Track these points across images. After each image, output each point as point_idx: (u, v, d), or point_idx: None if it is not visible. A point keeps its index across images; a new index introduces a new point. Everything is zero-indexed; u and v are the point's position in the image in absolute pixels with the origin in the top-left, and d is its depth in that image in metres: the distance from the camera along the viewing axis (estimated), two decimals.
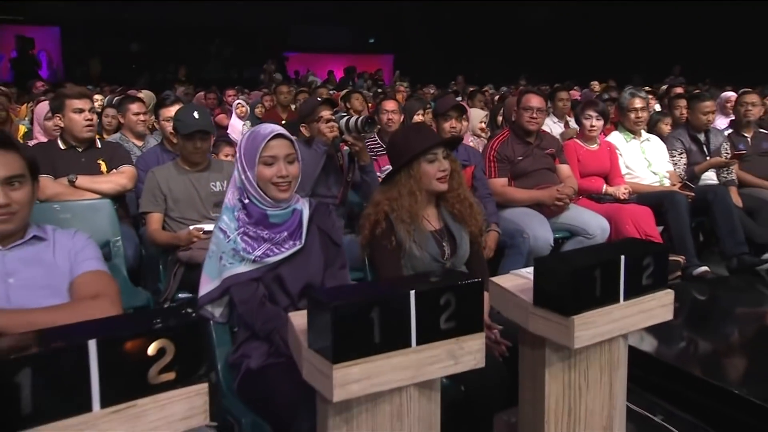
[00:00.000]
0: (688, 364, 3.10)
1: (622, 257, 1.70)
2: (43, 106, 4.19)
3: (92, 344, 1.13)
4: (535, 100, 4.11)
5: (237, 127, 6.83)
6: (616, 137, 4.46)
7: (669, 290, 1.83)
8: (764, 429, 2.54)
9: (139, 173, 3.62)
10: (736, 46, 14.02)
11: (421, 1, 19.96)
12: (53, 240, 1.86)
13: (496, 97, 7.72)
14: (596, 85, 9.52)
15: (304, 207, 2.20)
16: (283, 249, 2.11)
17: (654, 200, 4.14)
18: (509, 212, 3.84)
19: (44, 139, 4.20)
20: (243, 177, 2.10)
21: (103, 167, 3.57)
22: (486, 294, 1.64)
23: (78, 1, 15.68)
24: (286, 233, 2.13)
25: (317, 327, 1.41)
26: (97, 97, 6.37)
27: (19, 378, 1.06)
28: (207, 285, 2.12)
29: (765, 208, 4.42)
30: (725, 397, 2.74)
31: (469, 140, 4.88)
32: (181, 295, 3.00)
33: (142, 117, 4.42)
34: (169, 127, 3.75)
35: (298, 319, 1.62)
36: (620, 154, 4.36)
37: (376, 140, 4.21)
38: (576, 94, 8.31)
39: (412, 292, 1.43)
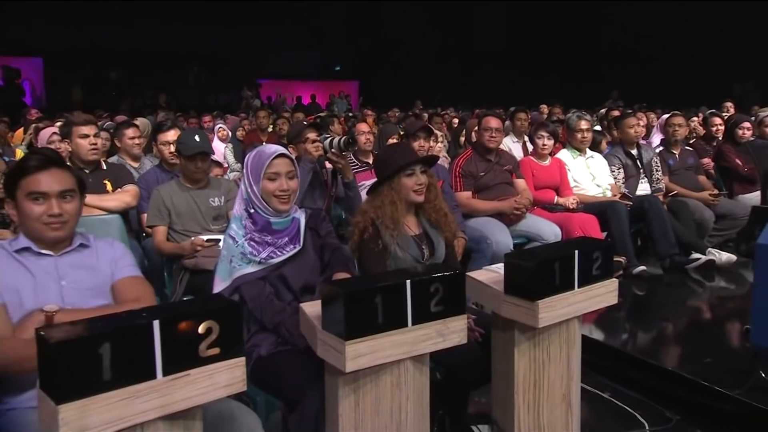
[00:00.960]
0: (631, 348, 3.35)
1: (576, 252, 1.92)
2: (46, 132, 4.26)
3: (156, 324, 1.30)
4: (493, 122, 4.34)
5: (219, 150, 6.90)
6: (564, 154, 4.69)
7: (614, 279, 2.06)
8: (694, 399, 2.79)
9: (140, 191, 3.74)
10: (667, 73, 14.57)
11: (384, 31, 20.23)
12: (96, 247, 1.99)
13: (455, 120, 7.96)
14: (544, 108, 9.80)
15: (301, 215, 2.38)
16: (285, 251, 2.27)
17: (598, 209, 4.36)
18: (474, 221, 4.03)
19: None
20: (249, 190, 2.26)
21: (109, 187, 3.68)
22: None
23: (59, 32, 15.56)
24: (287, 238, 2.29)
25: (331, 311, 1.59)
26: None
27: (101, 350, 1.22)
28: (219, 285, 2.27)
29: (684, 210, 4.69)
30: (662, 374, 3.00)
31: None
32: (185, 299, 3.12)
33: (137, 141, 4.51)
34: (166, 150, 3.87)
35: (309, 308, 1.80)
36: (568, 169, 4.57)
37: (352, 159, 4.36)
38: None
39: (408, 282, 1.62)
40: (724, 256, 4.50)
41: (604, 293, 2.01)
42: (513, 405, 1.99)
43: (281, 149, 2.29)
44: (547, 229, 4.07)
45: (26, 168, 1.85)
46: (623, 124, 4.82)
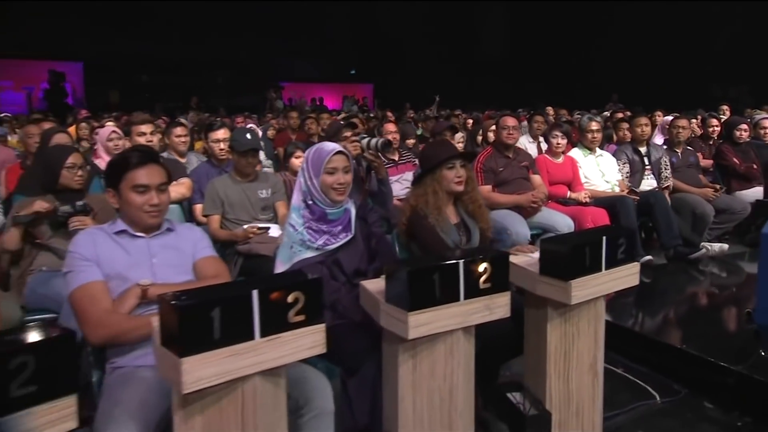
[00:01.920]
0: (640, 328, 3.44)
1: (604, 238, 2.03)
2: (106, 131, 4.39)
3: (255, 293, 1.43)
4: (510, 121, 4.44)
5: None
6: (576, 153, 4.78)
7: (636, 263, 2.16)
8: (700, 374, 2.90)
9: (193, 184, 3.87)
10: (662, 77, 14.56)
11: (396, 36, 20.28)
12: (179, 231, 2.13)
13: (469, 121, 8.02)
14: (550, 110, 9.85)
15: (352, 206, 2.50)
16: (338, 239, 2.39)
17: (608, 203, 4.44)
18: (494, 213, 4.08)
19: (107, 158, 4.41)
20: (309, 183, 2.38)
21: None
22: None
23: (98, 39, 15.73)
24: (340, 227, 2.41)
25: (396, 287, 1.71)
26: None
27: (212, 314, 1.35)
28: (280, 267, 2.39)
29: (685, 206, 4.78)
30: (670, 351, 3.11)
31: None
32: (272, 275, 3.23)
33: (183, 138, 4.65)
34: (216, 147, 4.00)
35: (370, 285, 1.92)
36: (580, 167, 4.66)
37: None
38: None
39: (461, 262, 1.74)
40: (717, 247, 4.64)
41: (628, 275, 2.11)
42: (545, 374, 2.10)
43: (339, 147, 2.40)
44: (561, 221, 4.15)
45: (129, 163, 1.98)
46: (634, 122, 4.89)
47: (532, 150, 5.54)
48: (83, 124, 6.53)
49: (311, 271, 2.32)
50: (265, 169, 6.62)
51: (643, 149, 4.89)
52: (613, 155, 4.88)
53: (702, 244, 4.58)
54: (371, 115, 11.06)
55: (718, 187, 5.00)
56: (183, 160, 4.64)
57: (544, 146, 5.63)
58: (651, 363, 3.07)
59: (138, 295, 1.86)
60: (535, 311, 2.12)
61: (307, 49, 20.64)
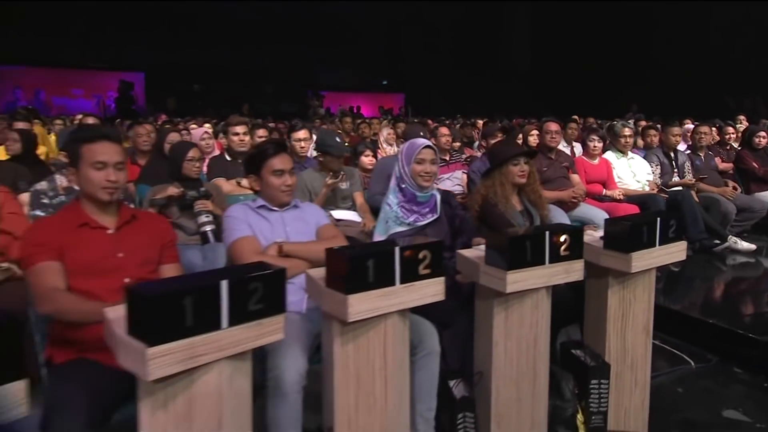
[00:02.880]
0: (674, 306, 3.65)
1: (658, 219, 2.29)
2: (199, 131, 4.71)
3: (397, 251, 1.73)
4: (553, 126, 4.69)
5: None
6: (610, 155, 5.00)
7: (683, 242, 2.41)
8: (730, 345, 3.13)
9: None
10: (679, 88, 14.58)
11: (425, 51, 20.52)
12: (303, 207, 2.46)
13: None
14: (577, 118, 10.01)
15: (437, 193, 2.79)
16: (426, 218, 2.68)
17: (639, 200, 4.66)
18: None
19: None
20: (402, 170, 2.67)
21: None
22: None
23: (158, 52, 16.27)
24: (427, 209, 2.69)
25: (496, 252, 1.99)
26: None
27: (368, 264, 1.66)
28: (377, 238, 2.69)
29: (714, 204, 4.97)
30: (701, 325, 3.35)
31: None
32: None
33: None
34: (297, 145, 4.31)
35: (468, 253, 2.20)
36: (613, 167, 4.91)
37: None
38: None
39: (547, 232, 2.02)
40: (744, 245, 4.79)
41: (676, 251, 2.37)
42: (605, 332, 2.37)
43: (428, 142, 2.70)
44: (598, 215, 4.34)
45: (267, 152, 2.32)
46: (668, 131, 5.10)
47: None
48: (168, 127, 6.95)
49: (403, 242, 2.65)
50: None
51: (672, 154, 5.09)
52: (645, 158, 5.09)
53: (730, 237, 4.77)
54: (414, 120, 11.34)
55: (735, 185, 5.19)
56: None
57: (576, 150, 5.86)
58: (684, 336, 3.31)
59: (276, 249, 2.20)
60: (596, 280, 2.39)
61: (344, 60, 20.98)
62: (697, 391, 2.83)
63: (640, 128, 6.49)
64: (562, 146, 6.01)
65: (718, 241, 4.74)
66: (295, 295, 2.17)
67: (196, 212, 3.05)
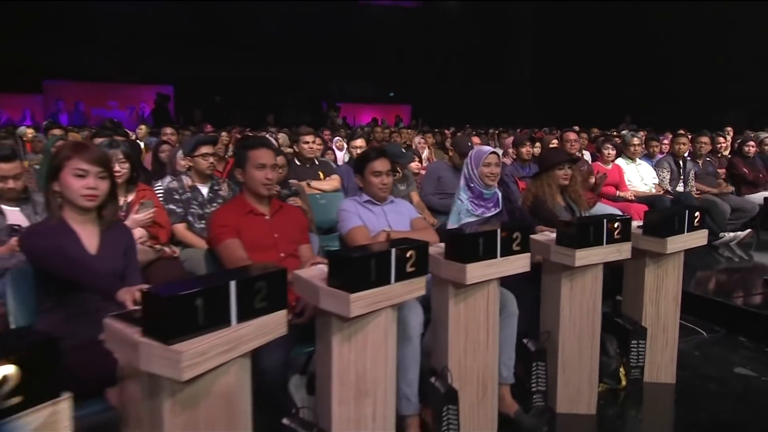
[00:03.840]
0: (685, 288, 4.04)
1: (686, 211, 2.72)
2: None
3: (498, 232, 2.14)
4: (572, 135, 5.13)
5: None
6: (620, 161, 5.43)
7: (705, 230, 2.83)
8: (735, 318, 3.53)
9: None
10: (670, 100, 14.97)
11: (431, 63, 20.88)
12: (397, 202, 2.85)
13: (503, 135, 8.61)
14: (576, 129, 10.40)
15: (499, 191, 3.20)
16: (491, 210, 3.08)
17: (648, 201, 5.05)
18: None
19: None
20: (471, 172, 3.07)
21: (322, 176, 4.56)
22: None
23: (186, 65, 16.64)
24: (491, 203, 3.11)
25: (567, 233, 2.40)
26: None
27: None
28: (450, 227, 3.10)
29: (713, 205, 5.38)
30: (709, 303, 3.75)
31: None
32: None
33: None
34: (354, 152, 4.73)
35: (540, 236, 2.61)
36: (624, 172, 5.35)
37: None
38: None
39: (605, 220, 2.44)
40: (732, 235, 5.24)
41: (700, 237, 2.79)
42: (642, 303, 2.79)
43: (493, 149, 3.12)
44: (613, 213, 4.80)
45: (369, 156, 2.73)
46: (677, 141, 5.53)
47: None
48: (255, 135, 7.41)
49: (473, 230, 3.07)
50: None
51: (680, 161, 5.51)
52: (657, 165, 5.51)
53: (721, 233, 5.20)
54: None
55: (726, 185, 5.65)
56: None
57: (585, 157, 6.26)
58: (696, 313, 3.69)
59: (385, 236, 2.60)
60: (635, 260, 2.79)
61: (354, 73, 21.35)
62: (710, 354, 3.25)
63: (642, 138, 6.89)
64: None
65: (723, 235, 5.19)
66: None
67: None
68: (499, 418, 2.36)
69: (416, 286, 1.91)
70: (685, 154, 5.62)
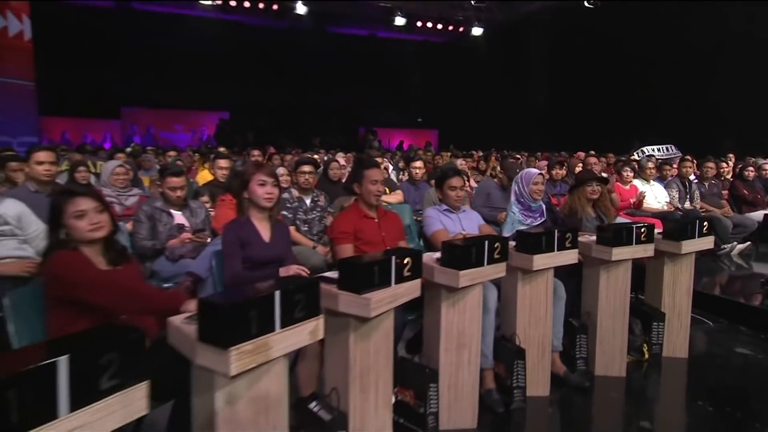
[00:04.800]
0: (695, 287, 4.49)
1: (697, 221, 3.22)
2: (340, 159, 5.69)
3: (556, 232, 2.68)
4: (592, 159, 5.65)
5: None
6: (637, 182, 5.91)
7: (711, 236, 3.32)
8: (735, 312, 3.97)
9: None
10: (673, 128, 15.25)
11: (456, 92, 21.46)
12: (467, 211, 3.37)
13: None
14: (581, 154, 10.77)
15: (543, 204, 3.73)
16: (537, 220, 3.60)
17: (661, 216, 5.47)
18: None
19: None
20: (522, 190, 3.60)
21: (387, 191, 5.14)
22: None
23: (239, 93, 17.50)
24: (538, 214, 3.63)
25: (605, 236, 2.93)
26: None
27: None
28: (506, 234, 3.63)
29: (717, 221, 5.80)
30: (714, 299, 4.19)
31: None
32: None
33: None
34: (413, 171, 5.29)
35: (583, 238, 3.13)
36: (642, 192, 5.83)
37: None
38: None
39: (634, 226, 2.96)
40: (737, 248, 5.66)
41: (708, 242, 3.27)
42: (661, 293, 3.27)
43: (539, 171, 3.65)
44: None
45: (448, 174, 3.28)
46: (683, 165, 6.00)
47: None
48: (276, 156, 8.06)
49: (535, 231, 3.60)
50: None
51: (686, 182, 5.97)
52: (668, 185, 5.97)
53: (723, 245, 5.62)
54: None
55: (729, 207, 6.07)
56: None
57: None
58: (702, 307, 4.14)
59: (461, 238, 3.13)
60: (655, 260, 3.30)
61: (386, 100, 22.00)
62: (716, 338, 3.71)
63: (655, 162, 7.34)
64: None
65: (724, 246, 5.62)
66: None
67: None
68: (552, 377, 2.88)
69: (499, 269, 2.46)
70: (691, 176, 6.07)
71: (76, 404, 1.08)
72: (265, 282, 1.61)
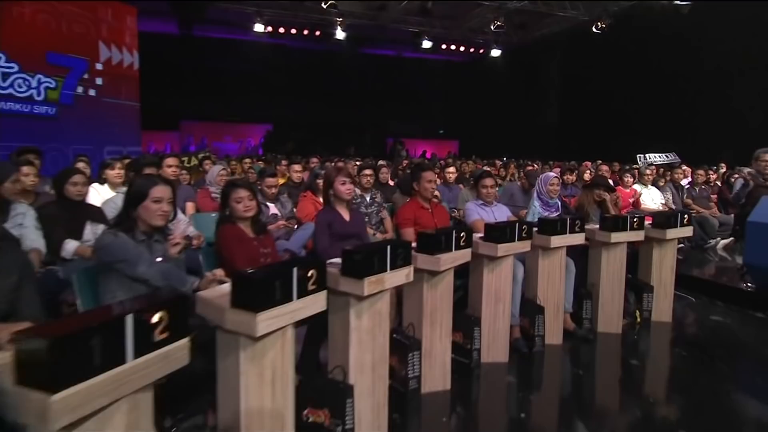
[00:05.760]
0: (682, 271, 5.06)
1: (678, 214, 3.83)
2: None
3: (568, 219, 3.33)
4: (605, 167, 6.25)
5: None
6: (636, 186, 6.49)
7: (691, 226, 3.91)
8: (713, 290, 4.54)
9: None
10: (669, 139, 15.58)
11: (475, 106, 22.01)
12: (499, 206, 4.05)
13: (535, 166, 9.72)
14: (588, 164, 11.27)
15: (558, 201, 4.36)
16: (554, 213, 4.24)
17: (655, 214, 6.12)
18: None
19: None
20: (541, 189, 4.23)
21: None
22: None
23: (279, 107, 18.37)
24: (554, 208, 4.27)
25: (607, 225, 3.57)
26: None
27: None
28: None
29: (705, 220, 6.35)
30: (693, 280, 4.76)
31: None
32: None
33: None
34: (448, 176, 5.97)
35: (588, 227, 3.78)
36: (640, 194, 6.40)
37: None
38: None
39: (629, 216, 3.59)
40: (722, 242, 6.19)
41: (688, 230, 3.88)
42: (650, 270, 3.89)
43: (555, 174, 4.30)
44: None
45: (483, 175, 3.95)
46: (675, 172, 6.57)
47: None
48: (295, 167, 8.81)
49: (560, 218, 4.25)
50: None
51: (678, 187, 6.53)
52: (661, 189, 6.53)
53: (709, 240, 6.17)
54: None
55: (717, 209, 6.60)
56: None
57: None
58: (688, 287, 4.69)
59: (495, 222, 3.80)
60: (646, 245, 3.92)
61: (411, 113, 22.66)
62: (695, 309, 4.30)
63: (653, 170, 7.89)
64: None
65: (710, 241, 6.16)
66: None
67: None
68: (564, 332, 3.52)
69: (525, 245, 3.12)
70: (683, 182, 6.63)
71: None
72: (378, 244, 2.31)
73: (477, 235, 3.12)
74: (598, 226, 3.65)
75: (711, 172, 7.64)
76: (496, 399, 2.81)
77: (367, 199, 4.72)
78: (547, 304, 3.39)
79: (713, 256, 5.89)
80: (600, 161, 11.61)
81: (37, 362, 1.06)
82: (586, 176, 6.71)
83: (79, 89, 9.03)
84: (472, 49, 18.69)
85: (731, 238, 6.25)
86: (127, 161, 4.44)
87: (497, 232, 2.98)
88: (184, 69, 15.98)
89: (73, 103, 8.88)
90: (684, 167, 7.91)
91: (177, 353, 1.33)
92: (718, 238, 6.17)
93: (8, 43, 8.01)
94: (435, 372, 2.72)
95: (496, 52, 17.11)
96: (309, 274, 1.73)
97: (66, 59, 8.77)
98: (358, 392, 2.16)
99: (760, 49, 11.97)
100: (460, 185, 6.02)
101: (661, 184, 6.55)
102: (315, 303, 1.76)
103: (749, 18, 11.96)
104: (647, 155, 8.62)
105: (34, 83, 8.35)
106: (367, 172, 4.77)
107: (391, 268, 2.21)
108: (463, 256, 2.76)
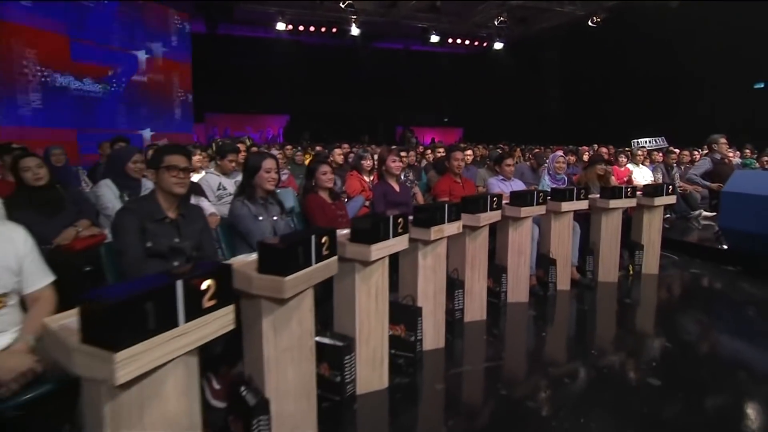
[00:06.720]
0: (668, 236, 5.70)
1: (665, 185, 4.46)
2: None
3: (570, 192, 3.98)
4: (604, 149, 6.85)
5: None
6: (630, 166, 7.07)
7: (675, 195, 4.55)
8: (697, 251, 5.20)
9: None
10: (661, 123, 16.03)
11: (479, 95, 22.37)
12: (515, 180, 4.71)
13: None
14: (586, 147, 11.81)
15: (565, 176, 4.99)
16: (561, 186, 4.90)
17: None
18: None
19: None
20: (550, 165, 4.89)
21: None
22: None
23: (298, 99, 18.87)
24: (561, 182, 4.90)
25: (607, 193, 4.22)
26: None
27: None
28: None
29: (691, 195, 6.95)
30: (679, 242, 5.41)
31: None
32: None
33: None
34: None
35: (591, 195, 4.43)
36: (632, 172, 7.00)
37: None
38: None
39: (623, 187, 4.24)
40: (703, 213, 6.80)
41: (671, 198, 4.51)
42: (641, 233, 4.53)
43: (561, 154, 4.94)
44: None
45: (503, 156, 4.59)
46: (670, 157, 7.17)
47: None
48: (337, 150, 9.43)
49: (569, 188, 4.91)
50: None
51: (667, 168, 7.14)
52: (654, 169, 7.14)
53: (692, 211, 6.80)
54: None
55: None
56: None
57: None
58: (672, 248, 5.33)
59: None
60: (638, 211, 4.56)
61: (417, 102, 23.06)
62: (678, 265, 4.95)
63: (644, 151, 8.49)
64: None
65: (693, 212, 6.79)
66: None
67: None
68: (571, 281, 4.18)
69: (542, 209, 3.78)
70: (673, 162, 7.24)
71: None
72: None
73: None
74: (598, 195, 4.29)
75: (696, 153, 8.24)
76: (521, 327, 3.49)
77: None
78: (558, 258, 4.05)
79: (696, 225, 6.53)
80: (597, 145, 12.21)
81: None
82: (585, 158, 7.34)
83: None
84: (476, 43, 19.11)
85: (714, 213, 6.87)
86: (208, 150, 5.11)
87: (520, 199, 3.63)
88: (210, 65, 16.51)
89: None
90: (677, 151, 8.50)
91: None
92: (701, 210, 6.80)
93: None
94: (474, 306, 3.40)
95: (498, 45, 17.56)
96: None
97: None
98: (424, 313, 2.83)
99: (742, 38, 12.37)
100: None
101: (655, 164, 7.15)
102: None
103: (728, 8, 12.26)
104: (639, 140, 9.23)
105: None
106: (402, 154, 5.41)
107: (448, 222, 2.87)
108: (496, 216, 3.42)
